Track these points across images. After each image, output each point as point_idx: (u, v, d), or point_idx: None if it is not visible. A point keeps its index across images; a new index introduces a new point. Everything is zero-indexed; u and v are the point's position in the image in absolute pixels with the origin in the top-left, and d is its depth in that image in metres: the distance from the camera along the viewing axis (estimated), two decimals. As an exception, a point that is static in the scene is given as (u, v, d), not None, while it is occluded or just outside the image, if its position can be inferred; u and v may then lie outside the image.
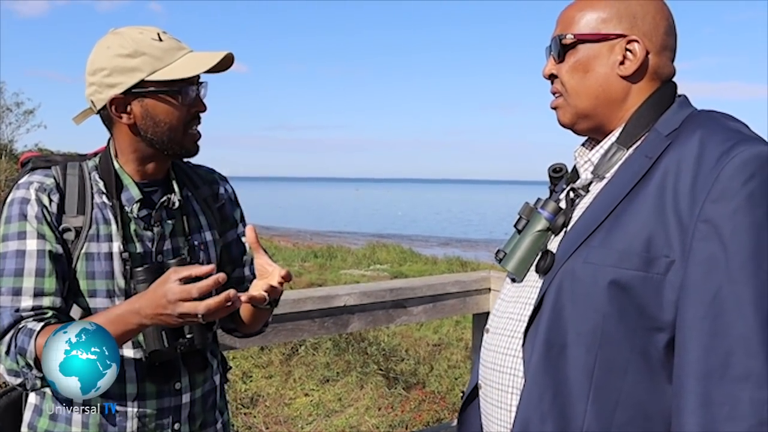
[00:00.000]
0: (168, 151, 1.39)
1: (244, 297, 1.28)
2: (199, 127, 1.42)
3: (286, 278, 1.35)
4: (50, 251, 1.31)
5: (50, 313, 1.29)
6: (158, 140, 1.37)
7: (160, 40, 1.35)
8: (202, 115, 1.42)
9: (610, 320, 1.05)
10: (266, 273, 1.37)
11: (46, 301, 1.29)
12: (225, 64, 1.39)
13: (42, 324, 1.25)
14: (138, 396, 1.37)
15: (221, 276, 1.19)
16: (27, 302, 1.28)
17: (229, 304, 1.19)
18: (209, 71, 1.37)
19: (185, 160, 1.52)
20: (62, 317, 1.30)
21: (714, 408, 0.96)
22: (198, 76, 1.38)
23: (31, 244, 1.30)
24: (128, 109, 1.35)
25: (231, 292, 1.20)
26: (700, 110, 1.17)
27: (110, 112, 1.36)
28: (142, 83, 1.33)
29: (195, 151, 1.43)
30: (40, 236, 1.31)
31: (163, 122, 1.36)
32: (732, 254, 0.97)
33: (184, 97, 1.36)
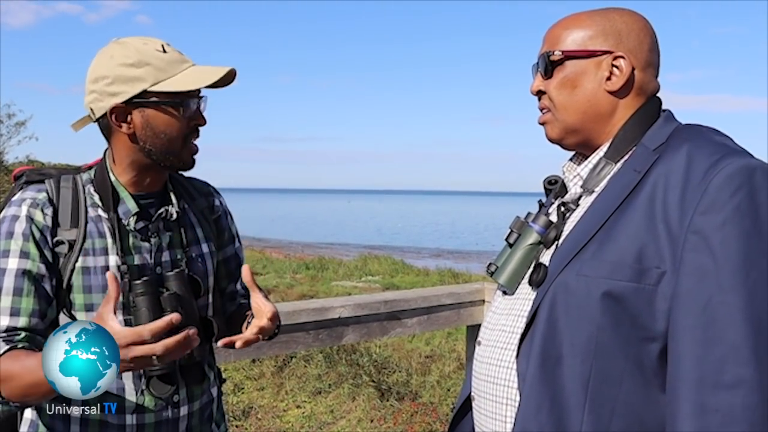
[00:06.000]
0: (164, 163, 1.40)
1: (239, 344, 1.33)
2: (198, 141, 1.43)
3: (273, 319, 1.36)
4: (30, 271, 1.30)
5: (22, 335, 1.28)
6: (156, 151, 1.37)
7: (164, 51, 1.36)
8: (200, 129, 1.42)
9: (604, 331, 1.07)
10: (260, 312, 1.37)
11: (21, 322, 1.28)
12: (228, 79, 1.40)
13: (7, 347, 1.24)
14: (137, 408, 1.37)
15: (175, 316, 1.17)
16: (3, 321, 1.27)
17: (189, 341, 1.18)
18: (212, 86, 1.38)
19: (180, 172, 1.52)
20: (38, 338, 1.29)
21: (708, 415, 0.98)
22: (199, 90, 1.39)
23: (12, 263, 1.30)
24: (128, 118, 1.35)
25: (191, 331, 1.18)
26: (685, 124, 1.20)
27: (110, 121, 1.36)
28: (145, 93, 1.33)
29: (191, 164, 1.44)
30: (23, 255, 1.30)
31: (162, 133, 1.36)
32: (721, 264, 1.00)
33: (186, 109, 1.37)
